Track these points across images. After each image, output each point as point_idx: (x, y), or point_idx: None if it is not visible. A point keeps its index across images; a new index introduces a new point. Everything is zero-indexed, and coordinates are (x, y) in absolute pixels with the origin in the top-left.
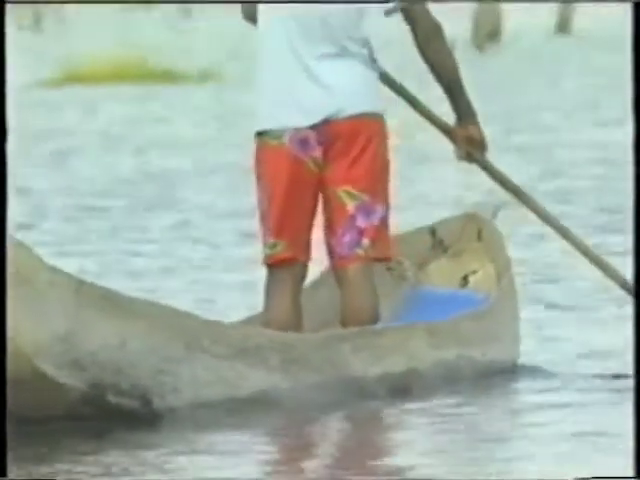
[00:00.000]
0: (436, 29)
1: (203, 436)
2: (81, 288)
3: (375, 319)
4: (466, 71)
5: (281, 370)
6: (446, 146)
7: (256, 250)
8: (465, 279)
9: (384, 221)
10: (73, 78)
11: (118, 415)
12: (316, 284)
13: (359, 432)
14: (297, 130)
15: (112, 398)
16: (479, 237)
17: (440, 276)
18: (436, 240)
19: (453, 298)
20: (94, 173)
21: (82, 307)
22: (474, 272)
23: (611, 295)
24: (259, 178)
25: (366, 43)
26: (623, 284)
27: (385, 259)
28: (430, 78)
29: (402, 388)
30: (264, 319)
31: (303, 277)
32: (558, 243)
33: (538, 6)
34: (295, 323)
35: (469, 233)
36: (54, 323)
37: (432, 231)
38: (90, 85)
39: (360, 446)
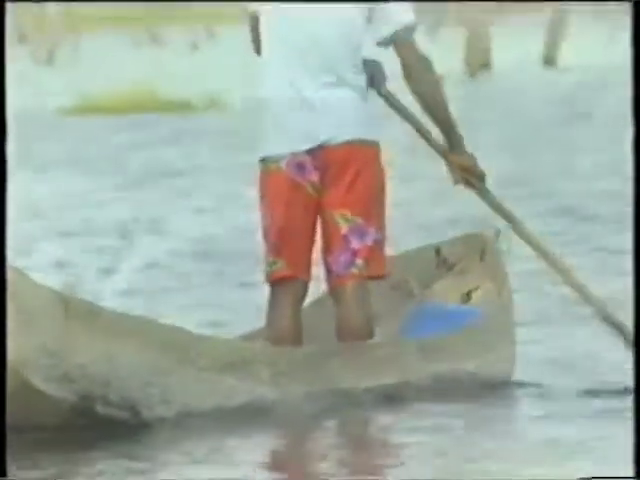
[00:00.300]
0: (425, 63)
1: (193, 446)
2: (70, 304)
3: (369, 334)
4: (458, 99)
5: (271, 383)
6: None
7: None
8: (468, 295)
9: (378, 242)
10: (86, 109)
11: (108, 425)
12: (319, 302)
13: (350, 440)
14: (294, 155)
15: (101, 409)
16: (482, 256)
17: (444, 293)
18: (441, 259)
19: (457, 313)
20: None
21: (71, 323)
22: (476, 289)
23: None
24: (261, 200)
25: (369, 67)
26: (615, 325)
27: (379, 277)
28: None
29: (394, 401)
30: (265, 334)
31: (303, 295)
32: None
33: (527, 38)
34: (294, 339)
35: (472, 252)
36: (43, 338)
37: (437, 250)
38: (103, 115)
39: (351, 453)
